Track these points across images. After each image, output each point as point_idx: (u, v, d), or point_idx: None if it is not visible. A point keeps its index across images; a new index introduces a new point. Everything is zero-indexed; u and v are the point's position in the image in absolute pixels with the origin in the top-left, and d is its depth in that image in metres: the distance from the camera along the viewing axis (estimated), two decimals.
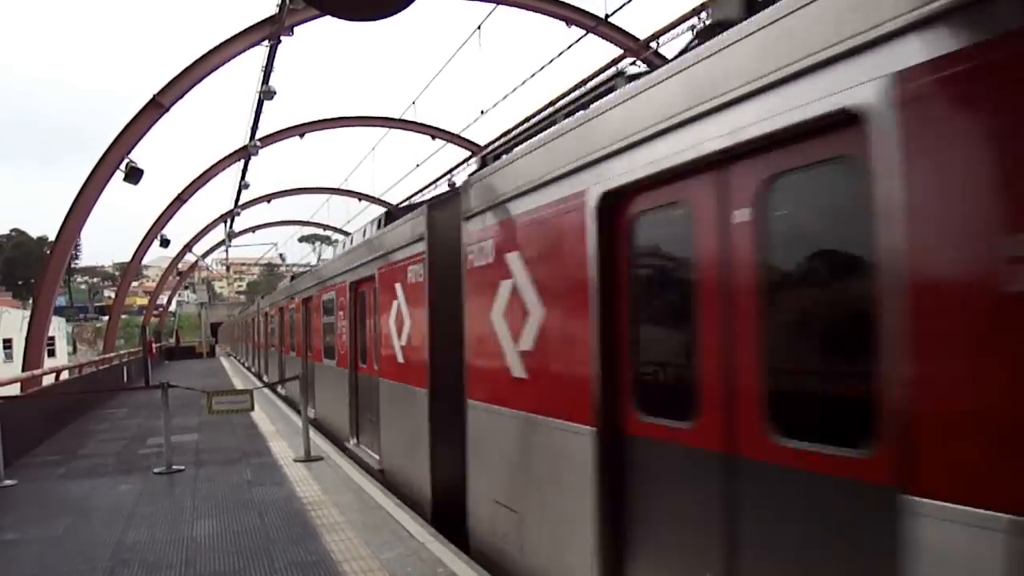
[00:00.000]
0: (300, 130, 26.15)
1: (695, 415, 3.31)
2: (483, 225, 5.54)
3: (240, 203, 33.65)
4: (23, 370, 14.93)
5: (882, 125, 2.33)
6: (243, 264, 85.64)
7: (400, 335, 7.85)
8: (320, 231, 51.17)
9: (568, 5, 17.20)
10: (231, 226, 40.12)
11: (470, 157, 24.62)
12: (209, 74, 16.22)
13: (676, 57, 3.62)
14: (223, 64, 16.19)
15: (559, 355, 4.42)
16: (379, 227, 9.33)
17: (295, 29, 15.81)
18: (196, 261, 48.37)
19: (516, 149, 5.22)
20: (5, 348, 48.55)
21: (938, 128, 2.21)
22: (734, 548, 3.09)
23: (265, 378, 22.99)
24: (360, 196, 35.48)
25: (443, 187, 23.42)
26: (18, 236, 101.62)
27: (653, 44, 16.52)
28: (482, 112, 18.15)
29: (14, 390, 12.44)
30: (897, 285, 2.30)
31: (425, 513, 6.92)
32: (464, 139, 25.01)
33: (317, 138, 28.83)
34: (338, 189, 36.10)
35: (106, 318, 44.43)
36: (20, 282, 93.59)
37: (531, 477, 4.88)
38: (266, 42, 16.08)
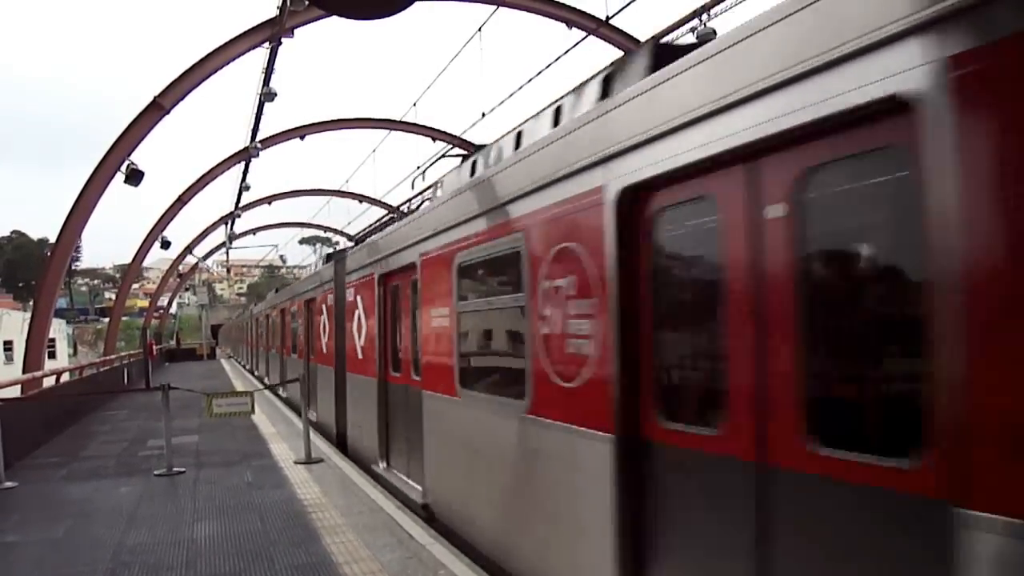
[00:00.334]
0: (301, 132, 26.12)
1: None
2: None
3: (241, 205, 33.62)
4: (24, 372, 14.90)
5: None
6: (244, 266, 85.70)
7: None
8: (321, 233, 51.13)
9: (569, 7, 17.19)
10: (232, 228, 40.07)
11: (466, 158, 24.63)
12: (210, 76, 16.20)
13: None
14: (224, 66, 16.18)
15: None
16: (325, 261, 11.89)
17: (295, 31, 15.78)
18: (197, 263, 48.34)
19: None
20: (6, 350, 48.54)
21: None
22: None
23: (266, 380, 23.04)
24: (361, 198, 35.44)
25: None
26: (19, 238, 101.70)
27: None
28: (483, 114, 18.13)
29: (15, 392, 12.44)
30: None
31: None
32: (465, 141, 24.99)
33: (318, 140, 28.85)
34: (339, 191, 36.05)
35: (107, 320, 44.40)
36: (21, 284, 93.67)
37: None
38: (266, 44, 16.07)
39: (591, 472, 3.95)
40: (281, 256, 58.99)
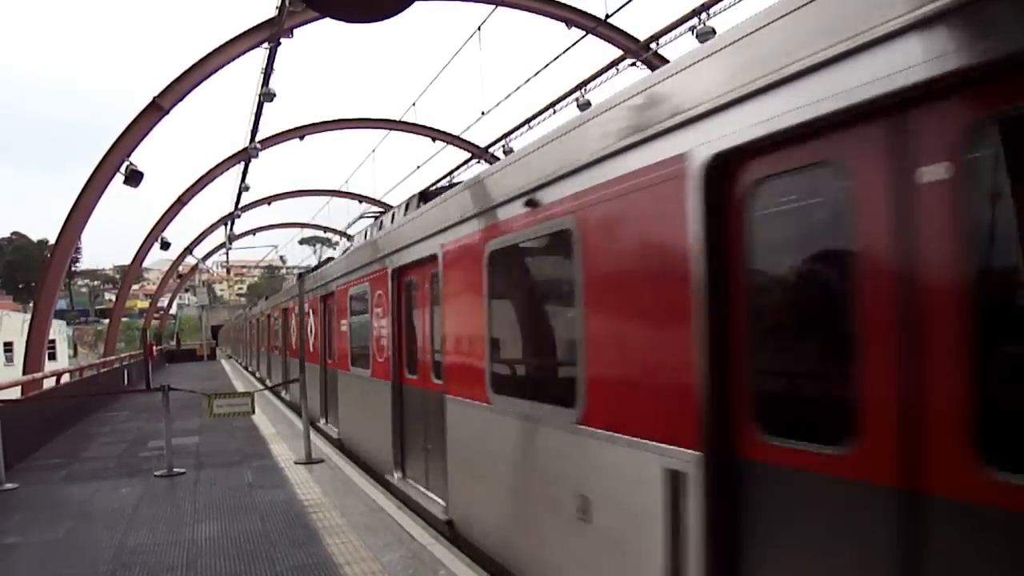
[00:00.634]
0: (300, 132, 26.14)
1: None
2: None
3: (240, 205, 33.64)
4: (24, 373, 14.91)
5: None
6: (244, 266, 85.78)
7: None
8: (321, 233, 51.18)
9: (568, 6, 17.20)
10: (231, 228, 40.10)
11: (471, 158, 24.64)
12: (209, 76, 16.21)
13: None
14: (223, 66, 16.20)
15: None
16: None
17: (295, 31, 15.80)
18: (196, 264, 48.37)
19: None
20: (6, 351, 48.54)
21: None
22: None
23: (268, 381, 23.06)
24: (361, 198, 35.46)
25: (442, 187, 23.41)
26: (19, 239, 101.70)
27: (653, 45, 16.55)
28: (483, 113, 18.14)
29: (15, 393, 12.44)
30: None
31: None
32: (464, 140, 25.02)
33: (317, 140, 28.83)
34: (338, 191, 36.09)
35: (107, 321, 44.39)
36: (21, 285, 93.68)
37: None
38: (266, 44, 16.07)
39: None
40: (281, 256, 59.19)
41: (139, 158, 16.41)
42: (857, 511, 2.48)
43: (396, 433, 8.20)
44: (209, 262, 53.46)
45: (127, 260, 37.66)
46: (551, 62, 15.83)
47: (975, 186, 2.22)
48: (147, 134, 16.23)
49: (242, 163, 25.82)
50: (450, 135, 25.64)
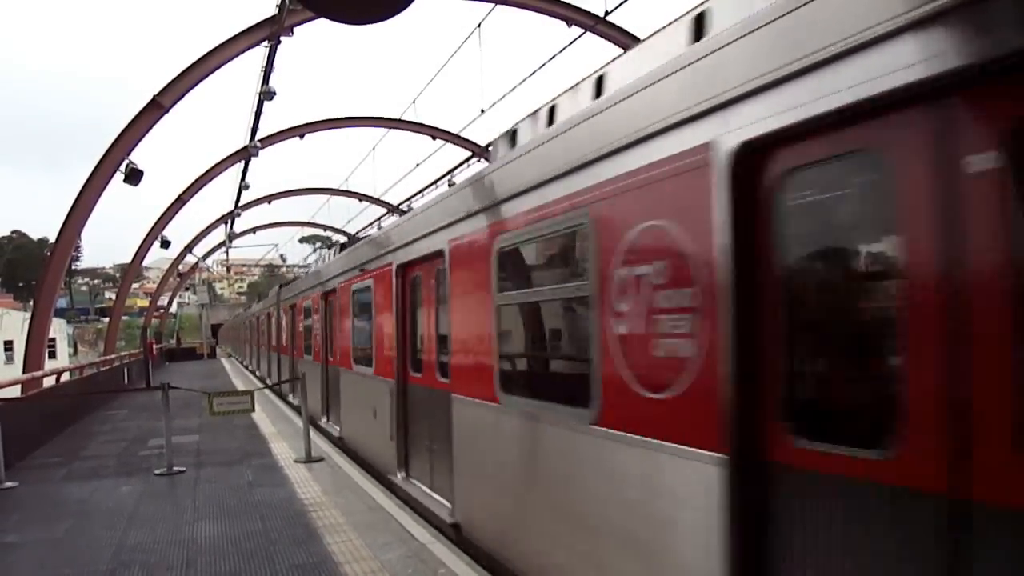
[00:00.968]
0: (300, 131, 26.11)
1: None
2: None
3: (240, 204, 33.62)
4: (24, 372, 14.90)
5: None
6: (244, 265, 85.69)
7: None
8: (321, 232, 51.16)
9: (567, 4, 17.16)
10: (231, 227, 40.10)
11: (471, 157, 24.62)
12: (209, 75, 16.18)
13: None
14: (223, 65, 16.16)
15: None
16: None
17: (295, 29, 15.78)
18: (197, 262, 48.36)
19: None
20: (6, 350, 48.60)
21: None
22: None
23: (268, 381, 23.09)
24: (360, 196, 35.47)
25: (443, 187, 23.45)
26: (19, 238, 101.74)
27: None
28: (482, 111, 18.11)
29: (15, 392, 12.44)
30: None
31: None
32: (464, 139, 24.99)
33: (317, 139, 28.89)
34: (338, 190, 36.07)
35: (107, 320, 44.42)
36: (21, 284, 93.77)
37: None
38: (266, 42, 16.05)
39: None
40: (281, 255, 59.19)
41: (139, 156, 16.41)
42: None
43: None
44: (209, 261, 53.45)
45: (127, 258, 37.74)
46: (550, 60, 15.79)
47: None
48: (147, 132, 16.20)
49: (242, 161, 25.80)
50: (450, 133, 25.61)
